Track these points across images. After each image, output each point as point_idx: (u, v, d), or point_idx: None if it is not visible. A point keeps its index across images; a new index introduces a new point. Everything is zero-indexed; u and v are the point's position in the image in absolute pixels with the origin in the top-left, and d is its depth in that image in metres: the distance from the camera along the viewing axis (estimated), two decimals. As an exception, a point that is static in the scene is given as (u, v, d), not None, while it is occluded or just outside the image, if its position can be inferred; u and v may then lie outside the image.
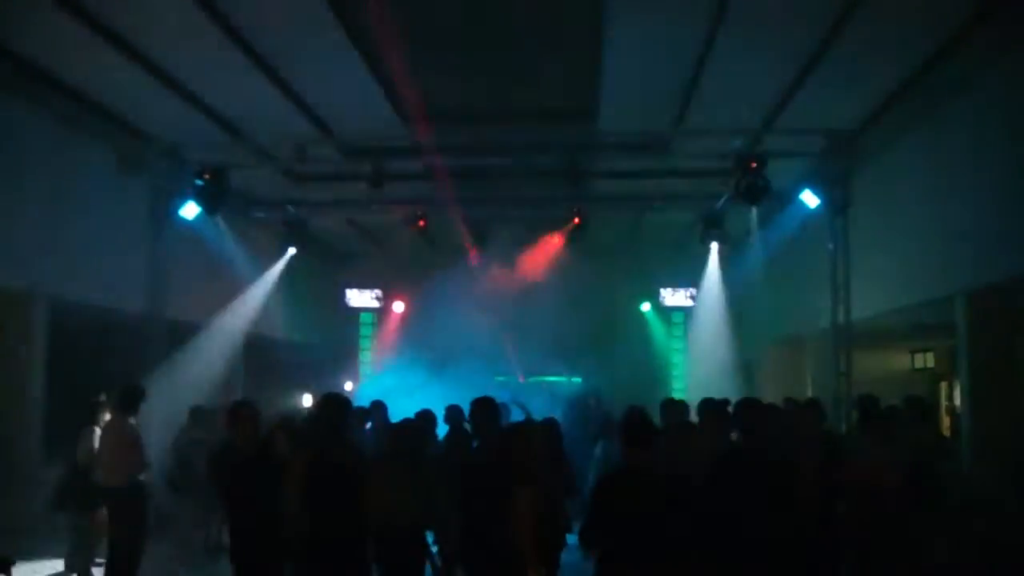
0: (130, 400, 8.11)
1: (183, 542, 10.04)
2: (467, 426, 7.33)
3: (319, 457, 5.54)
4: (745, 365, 18.91)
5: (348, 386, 18.89)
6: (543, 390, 14.58)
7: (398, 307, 20.19)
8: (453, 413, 8.35)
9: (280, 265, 15.82)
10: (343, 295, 20.37)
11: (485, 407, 6.25)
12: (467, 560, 5.66)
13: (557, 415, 8.86)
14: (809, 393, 14.09)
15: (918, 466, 6.85)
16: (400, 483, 5.79)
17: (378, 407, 9.68)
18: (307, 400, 16.01)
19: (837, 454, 6.72)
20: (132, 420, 8.06)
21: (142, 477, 8.05)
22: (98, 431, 8.38)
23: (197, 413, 10.84)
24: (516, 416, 10.60)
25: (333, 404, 5.83)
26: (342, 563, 5.45)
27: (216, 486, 6.18)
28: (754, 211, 13.32)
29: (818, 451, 6.27)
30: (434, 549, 7.82)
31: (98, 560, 8.49)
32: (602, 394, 14.18)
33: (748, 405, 6.21)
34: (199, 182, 12.08)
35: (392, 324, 20.14)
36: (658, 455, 5.10)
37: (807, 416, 7.49)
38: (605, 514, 4.76)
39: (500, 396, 11.09)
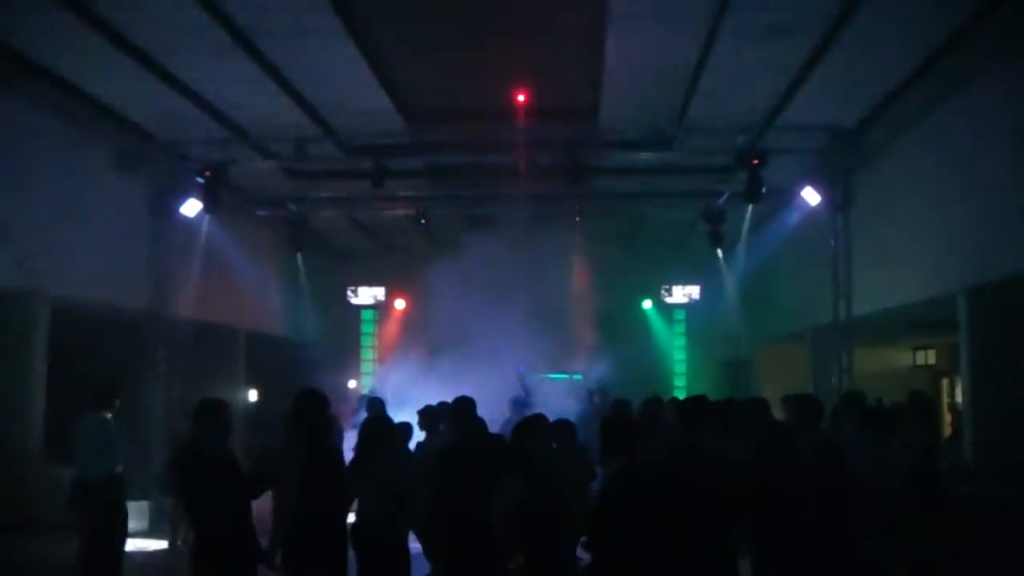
0: (104, 394, 8.05)
1: (175, 542, 10.03)
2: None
3: (313, 449, 5.52)
4: (746, 362, 18.94)
5: (352, 384, 18.88)
6: (551, 387, 14.52)
7: (400, 304, 20.19)
8: (427, 418, 8.38)
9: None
10: (345, 292, 20.36)
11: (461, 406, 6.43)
12: (445, 551, 5.67)
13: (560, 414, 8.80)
14: (811, 390, 14.08)
15: (919, 464, 6.84)
16: (374, 477, 5.84)
17: (374, 403, 9.67)
18: (252, 395, 15.96)
19: (834, 454, 6.69)
20: (107, 414, 8.00)
21: (119, 470, 7.98)
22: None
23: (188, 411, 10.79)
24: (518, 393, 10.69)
25: (313, 399, 5.78)
26: (326, 553, 5.46)
27: (179, 488, 5.83)
28: (755, 208, 13.30)
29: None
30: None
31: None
32: (605, 390, 14.11)
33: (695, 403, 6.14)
34: (200, 179, 12.09)
35: (395, 321, 20.15)
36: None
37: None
38: (615, 519, 4.72)
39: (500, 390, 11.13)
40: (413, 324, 19.24)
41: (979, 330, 9.98)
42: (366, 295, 20.38)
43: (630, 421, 5.34)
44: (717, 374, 18.84)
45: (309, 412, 5.66)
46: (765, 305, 17.94)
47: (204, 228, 13.20)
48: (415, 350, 16.31)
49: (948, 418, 13.44)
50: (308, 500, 5.40)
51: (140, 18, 9.13)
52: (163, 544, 10.25)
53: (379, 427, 6.36)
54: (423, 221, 14.91)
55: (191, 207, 12.51)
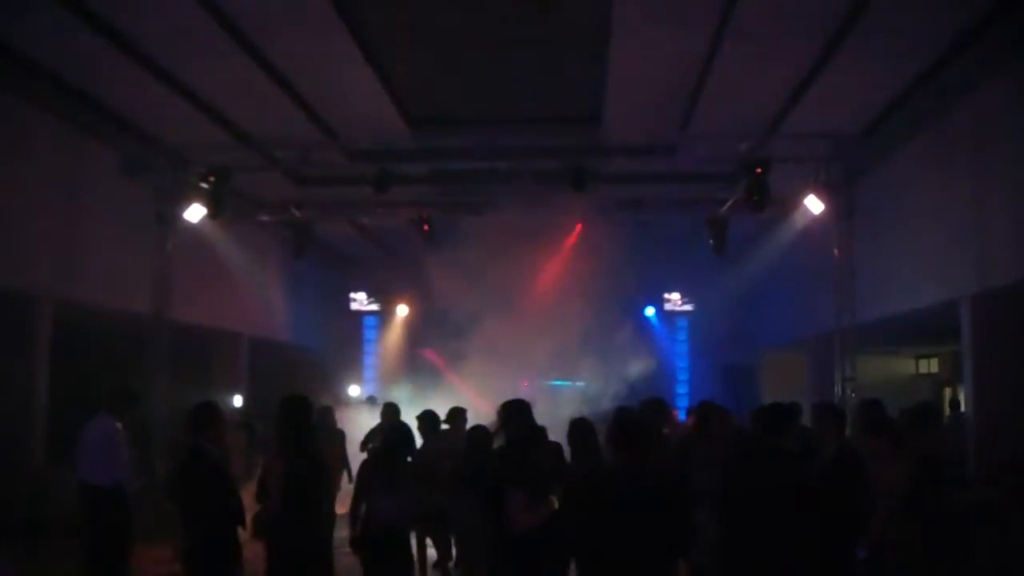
0: (119, 402, 8.04)
1: (179, 545, 9.96)
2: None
3: (295, 460, 5.56)
4: (748, 370, 18.93)
5: (354, 391, 18.85)
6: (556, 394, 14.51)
7: (402, 310, 20.20)
8: (427, 422, 8.51)
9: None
10: (347, 298, 20.38)
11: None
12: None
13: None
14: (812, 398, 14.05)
15: (926, 474, 6.83)
16: (388, 483, 5.91)
17: (389, 409, 9.68)
18: (237, 400, 15.96)
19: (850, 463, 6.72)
20: (118, 423, 7.98)
21: (124, 478, 7.94)
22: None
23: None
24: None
25: (296, 406, 5.80)
26: (310, 553, 5.51)
27: (180, 493, 5.80)
28: (758, 216, 13.31)
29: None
30: None
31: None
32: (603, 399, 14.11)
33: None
34: (204, 185, 12.11)
35: (397, 327, 20.18)
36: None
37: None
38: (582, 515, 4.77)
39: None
40: (415, 330, 19.28)
41: (982, 338, 9.97)
42: (368, 301, 20.39)
43: (644, 424, 5.37)
44: (719, 381, 18.82)
45: (294, 417, 5.71)
46: (767, 313, 17.95)
47: (208, 233, 13.21)
48: (417, 355, 16.36)
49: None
50: (291, 503, 5.45)
51: (147, 23, 9.17)
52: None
53: (401, 436, 6.44)
54: (426, 228, 14.92)
55: (195, 212, 12.53)
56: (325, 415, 10.41)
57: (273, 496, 5.43)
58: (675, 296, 19.21)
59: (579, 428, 6.54)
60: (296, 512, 5.43)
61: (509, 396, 6.93)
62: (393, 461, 6.14)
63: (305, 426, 5.75)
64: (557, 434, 6.69)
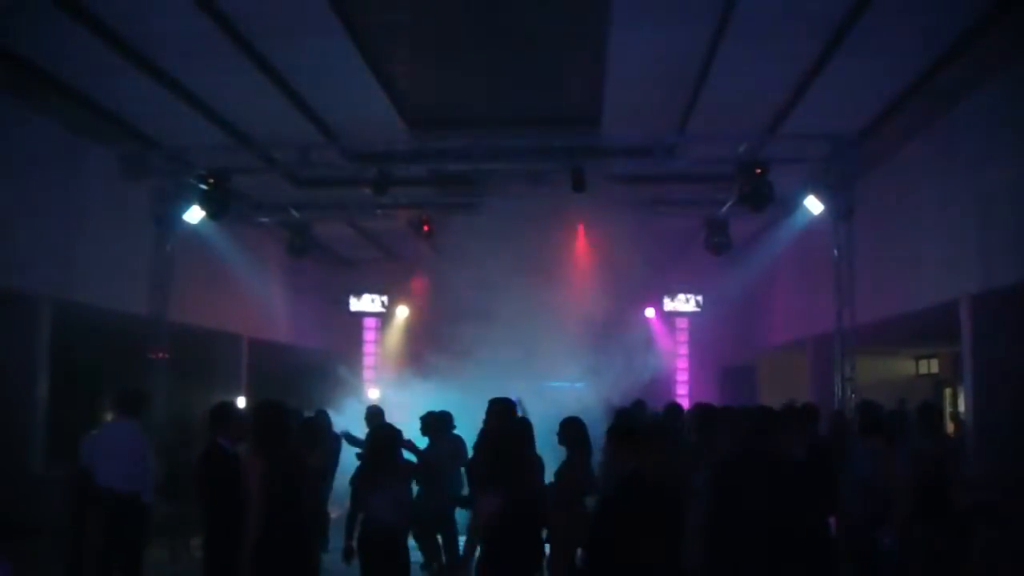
0: (131, 403, 8.06)
1: (177, 547, 9.96)
2: None
3: (276, 461, 5.58)
4: (748, 370, 18.92)
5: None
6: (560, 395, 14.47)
7: (402, 312, 20.17)
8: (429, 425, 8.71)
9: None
10: (347, 300, 20.35)
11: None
12: None
13: None
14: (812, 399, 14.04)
15: (929, 475, 6.85)
16: (379, 484, 5.94)
17: (374, 413, 9.68)
18: (240, 402, 15.96)
19: (826, 458, 6.74)
20: (133, 423, 8.00)
21: (147, 480, 7.96)
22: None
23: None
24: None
25: (270, 411, 5.86)
26: (292, 557, 5.53)
27: (202, 491, 5.97)
28: (758, 217, 13.30)
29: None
30: None
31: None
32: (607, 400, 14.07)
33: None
34: (203, 186, 12.09)
35: (396, 329, 20.16)
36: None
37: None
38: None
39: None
40: (415, 332, 19.25)
41: (982, 338, 9.97)
42: (368, 302, 20.35)
43: (642, 427, 5.44)
44: (719, 382, 18.80)
45: (267, 423, 5.75)
46: (767, 313, 17.95)
47: (207, 235, 13.20)
48: (417, 358, 16.31)
49: (951, 427, 13.42)
50: (273, 506, 5.47)
51: (146, 26, 9.18)
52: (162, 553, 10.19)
53: (387, 438, 6.44)
54: (426, 229, 14.91)
55: (194, 214, 12.51)
56: (320, 419, 10.39)
57: (254, 496, 5.43)
58: (682, 296, 19.17)
59: (571, 427, 6.68)
60: (278, 511, 5.44)
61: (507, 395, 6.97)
62: (381, 463, 6.14)
63: (279, 426, 5.81)
64: (550, 435, 6.73)
